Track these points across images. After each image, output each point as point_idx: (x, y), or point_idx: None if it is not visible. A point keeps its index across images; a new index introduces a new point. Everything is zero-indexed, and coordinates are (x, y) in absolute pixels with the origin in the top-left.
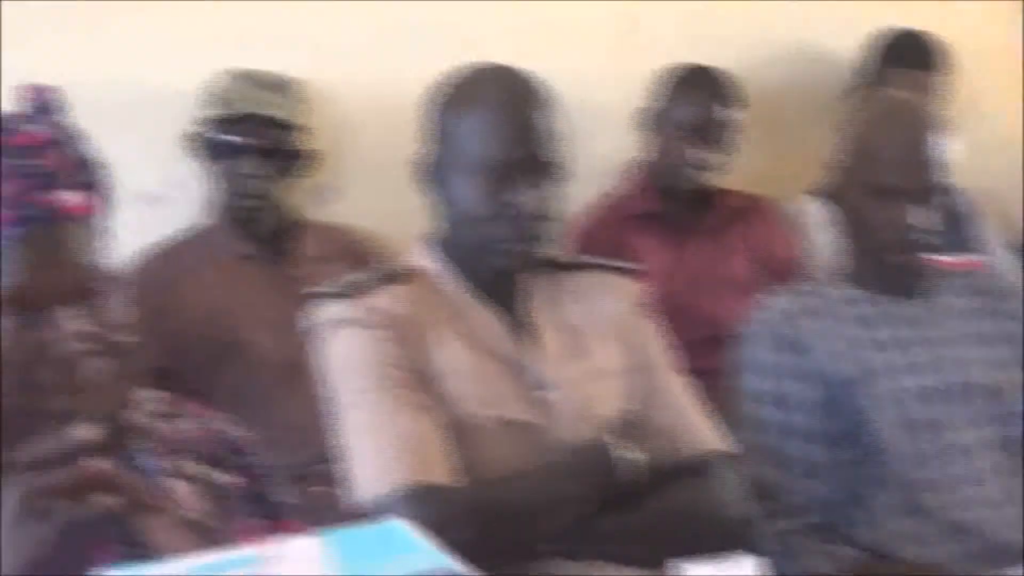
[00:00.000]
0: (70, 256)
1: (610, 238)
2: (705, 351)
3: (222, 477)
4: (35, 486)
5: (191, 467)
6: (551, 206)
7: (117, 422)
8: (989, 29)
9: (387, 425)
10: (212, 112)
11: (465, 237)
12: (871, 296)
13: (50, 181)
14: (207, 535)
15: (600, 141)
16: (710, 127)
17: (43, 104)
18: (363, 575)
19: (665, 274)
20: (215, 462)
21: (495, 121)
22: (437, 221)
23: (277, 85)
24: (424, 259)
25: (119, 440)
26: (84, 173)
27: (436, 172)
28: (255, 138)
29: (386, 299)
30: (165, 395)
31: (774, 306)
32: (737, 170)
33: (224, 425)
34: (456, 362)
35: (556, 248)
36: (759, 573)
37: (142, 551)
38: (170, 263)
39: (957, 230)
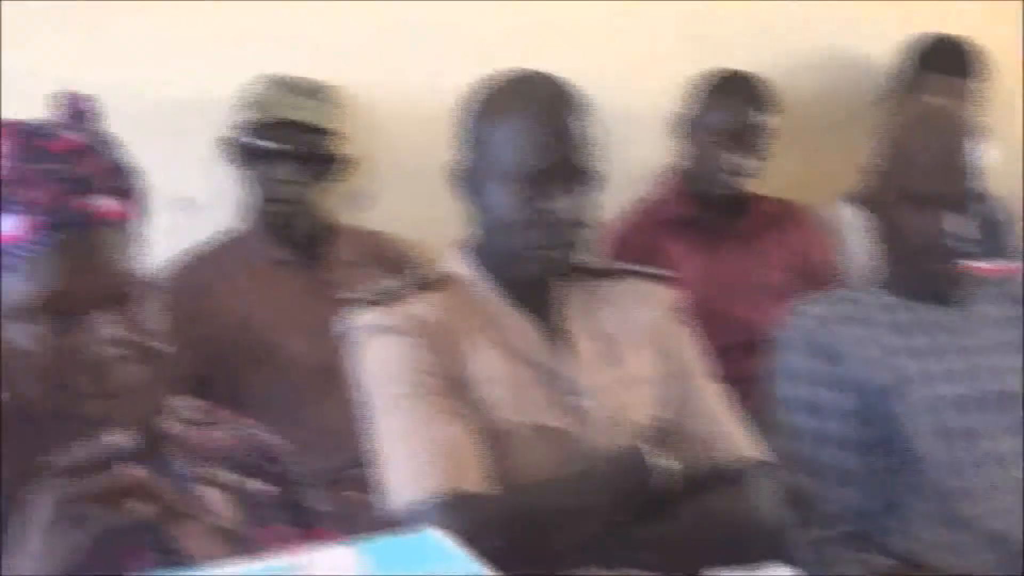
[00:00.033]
0: (105, 262)
1: (645, 243)
2: (739, 357)
3: (255, 485)
4: (69, 492)
5: (223, 475)
6: (586, 213)
7: (151, 429)
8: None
9: (421, 431)
10: (247, 117)
11: (500, 244)
12: (906, 303)
13: (85, 187)
14: (240, 543)
15: (635, 147)
16: (745, 132)
17: (78, 111)
18: None
19: (699, 280)
20: (248, 470)
21: (530, 128)
22: (472, 227)
23: (312, 90)
24: (459, 266)
25: (153, 447)
26: (119, 179)
27: (471, 178)
28: (290, 143)
29: (421, 306)
30: (199, 402)
31: (809, 313)
32: (771, 176)
33: (257, 432)
34: (490, 369)
35: (591, 255)
36: None
37: (175, 559)
38: (204, 268)
39: (993, 237)
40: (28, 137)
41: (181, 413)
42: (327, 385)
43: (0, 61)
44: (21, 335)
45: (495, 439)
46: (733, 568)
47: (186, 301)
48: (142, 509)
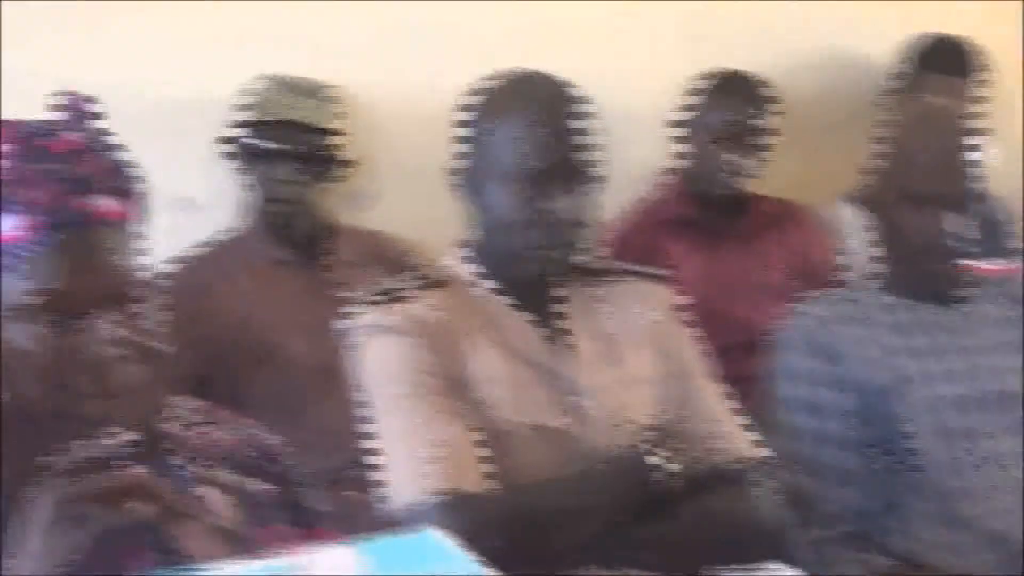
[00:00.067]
0: (104, 262)
1: (645, 243)
2: (739, 357)
3: (255, 485)
4: (70, 492)
5: (223, 475)
6: (586, 213)
7: (151, 429)
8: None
9: (421, 431)
10: (247, 117)
11: (500, 244)
12: (906, 303)
13: (85, 187)
14: (239, 543)
15: (635, 147)
16: (745, 132)
17: (78, 111)
18: None
19: (699, 279)
20: (248, 470)
21: (530, 128)
22: (472, 227)
23: (312, 90)
24: (459, 265)
25: (153, 447)
26: (119, 179)
27: (471, 179)
28: (290, 143)
29: (421, 306)
30: (199, 402)
31: (809, 313)
32: (771, 176)
33: (257, 432)
34: (490, 369)
35: (591, 255)
36: None
37: (175, 559)
38: (204, 268)
39: (993, 237)
40: (28, 137)
41: (181, 413)
42: (327, 385)
43: (0, 61)
44: (21, 335)
45: (495, 439)
46: (733, 568)
47: (186, 301)
48: (142, 509)
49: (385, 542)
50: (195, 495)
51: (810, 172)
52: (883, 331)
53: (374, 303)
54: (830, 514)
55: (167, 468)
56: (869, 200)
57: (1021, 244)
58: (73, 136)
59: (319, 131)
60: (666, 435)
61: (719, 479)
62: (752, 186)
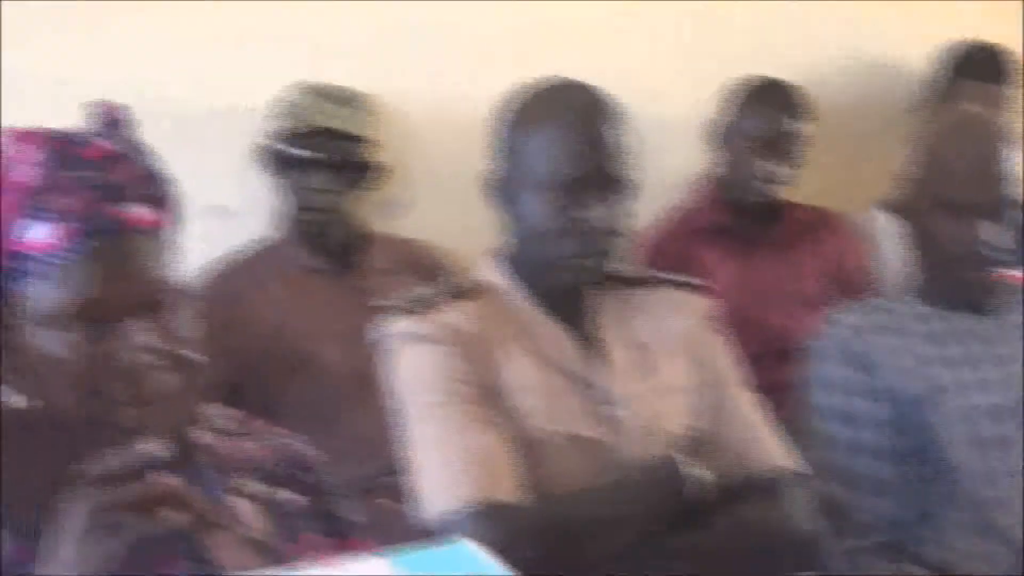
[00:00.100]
0: (138, 269)
1: (679, 251)
2: (773, 365)
3: (285, 496)
4: (104, 501)
5: (253, 486)
6: (620, 221)
7: (183, 438)
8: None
9: (455, 440)
10: (282, 125)
11: (533, 253)
12: (941, 312)
13: (118, 194)
14: (270, 555)
15: (669, 154)
16: (780, 140)
17: (112, 120)
18: None
19: (733, 287)
20: (278, 481)
21: (564, 136)
22: (505, 236)
23: (347, 98)
24: (492, 274)
25: (185, 456)
26: (152, 187)
27: (505, 188)
28: (325, 152)
29: (455, 315)
30: (233, 411)
31: (843, 322)
32: (805, 183)
33: (290, 442)
34: (524, 378)
35: (624, 263)
36: None
37: (208, 568)
38: (238, 276)
39: None
40: (62, 144)
41: (214, 422)
42: (361, 393)
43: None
44: (54, 343)
45: (528, 448)
46: None
47: (220, 309)
48: (176, 518)
49: (418, 553)
50: (226, 505)
51: (844, 179)
52: (917, 340)
53: (408, 311)
54: (864, 524)
55: (199, 478)
56: (903, 208)
57: None
58: (106, 144)
59: (353, 139)
60: (700, 445)
61: (753, 489)
62: (786, 194)
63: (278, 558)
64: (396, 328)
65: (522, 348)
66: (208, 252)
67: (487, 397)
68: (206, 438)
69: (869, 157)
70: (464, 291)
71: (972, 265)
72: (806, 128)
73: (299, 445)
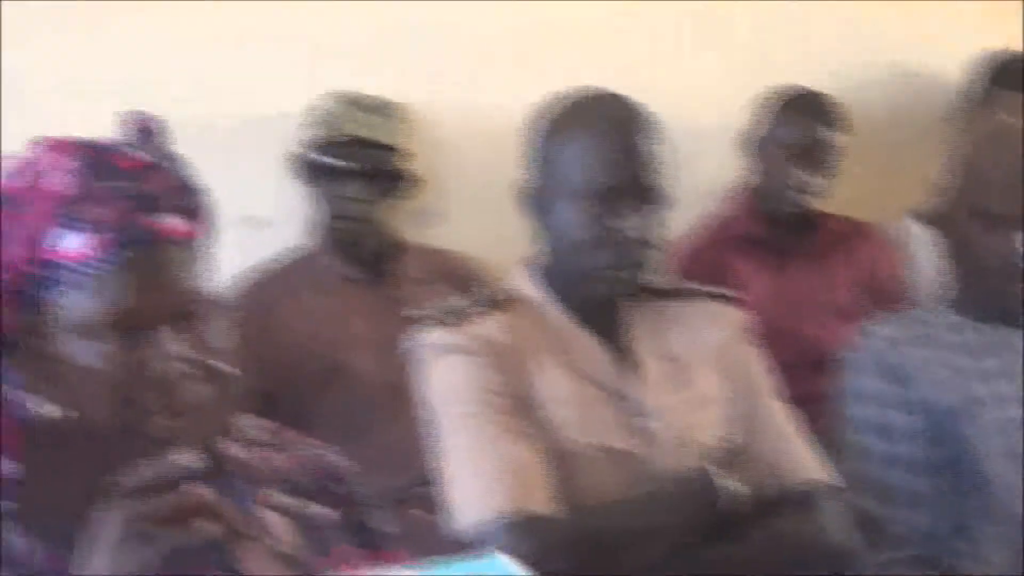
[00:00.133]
0: (171, 280)
1: (713, 260)
2: (807, 376)
3: (316, 510)
4: (138, 511)
5: (283, 499)
6: (654, 232)
7: (215, 449)
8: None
9: (488, 451)
10: (315, 134)
11: (567, 263)
12: (975, 324)
13: (152, 205)
14: (300, 568)
15: (703, 164)
16: (814, 150)
17: (146, 130)
18: None
19: (767, 298)
20: (309, 494)
21: (599, 147)
22: (539, 246)
23: (380, 108)
24: (526, 285)
25: (218, 468)
26: (186, 198)
27: (539, 197)
28: (358, 161)
29: (488, 326)
30: (266, 422)
31: (878, 334)
32: (840, 193)
33: (323, 453)
34: (557, 389)
35: (659, 275)
36: None
37: None
38: (271, 286)
39: None
40: (96, 154)
41: (247, 433)
42: (394, 403)
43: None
44: (87, 353)
45: (562, 460)
46: None
47: (253, 319)
48: (209, 529)
49: (451, 564)
50: (257, 517)
51: (878, 189)
52: (952, 352)
53: (441, 322)
54: (898, 537)
55: (230, 489)
56: (938, 218)
57: None
58: (140, 154)
59: (387, 148)
60: (733, 457)
61: (787, 501)
62: (821, 204)
63: (309, 571)
64: (429, 339)
65: (555, 359)
66: (241, 262)
67: (520, 408)
68: (237, 450)
69: (903, 167)
70: (497, 302)
71: (1008, 276)
72: (840, 138)
73: (331, 456)
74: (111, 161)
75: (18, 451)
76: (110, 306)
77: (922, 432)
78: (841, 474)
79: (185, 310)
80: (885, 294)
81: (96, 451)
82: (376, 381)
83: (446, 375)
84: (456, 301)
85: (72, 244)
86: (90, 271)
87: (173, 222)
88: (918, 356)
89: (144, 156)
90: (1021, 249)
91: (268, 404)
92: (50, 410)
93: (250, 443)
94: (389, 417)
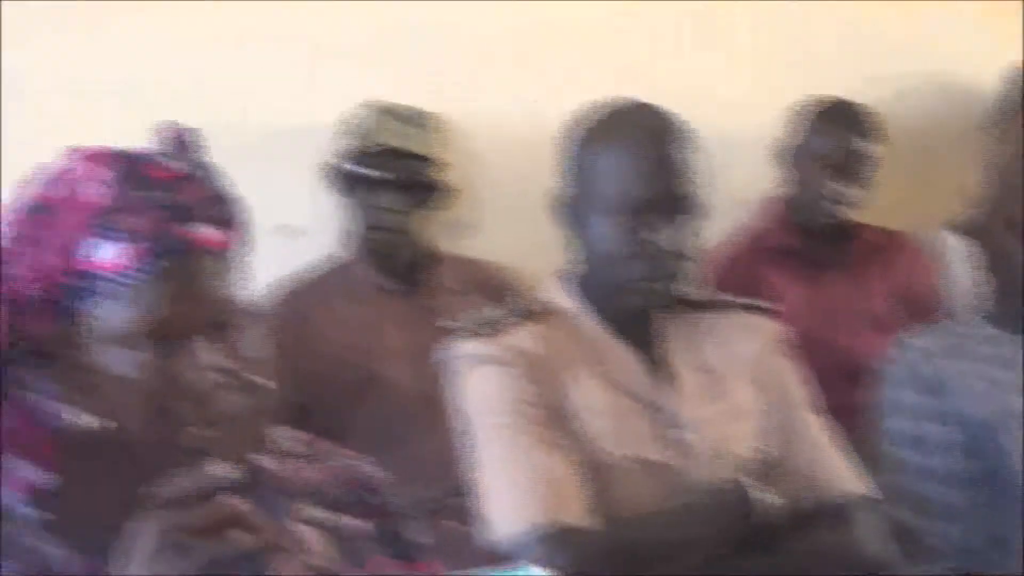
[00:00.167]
0: (206, 290)
1: (747, 271)
2: (843, 387)
3: (349, 522)
4: (175, 522)
5: (317, 512)
6: (689, 243)
7: (250, 460)
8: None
9: (522, 462)
10: (350, 145)
11: (602, 275)
12: (1011, 336)
13: (187, 215)
14: None
15: (738, 174)
16: (849, 160)
17: (180, 141)
18: None
19: (802, 308)
20: (343, 505)
21: (633, 158)
22: (573, 257)
23: (415, 118)
24: (560, 296)
25: (252, 479)
26: (220, 208)
27: (573, 209)
28: (393, 171)
29: (522, 337)
30: (300, 434)
31: (913, 346)
32: (874, 204)
33: (358, 464)
34: (592, 400)
35: (693, 286)
36: None
37: None
38: (306, 296)
39: None
40: (131, 164)
41: (281, 444)
42: (428, 414)
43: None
44: (122, 362)
45: (596, 471)
46: None
47: (288, 328)
48: (246, 540)
49: None
50: (290, 529)
51: (913, 200)
52: (988, 365)
53: (475, 333)
54: (934, 549)
55: (265, 501)
56: (973, 229)
57: None
58: (175, 165)
59: (421, 159)
60: (769, 468)
61: (822, 513)
62: (855, 215)
63: None
64: (464, 349)
65: (590, 370)
66: (276, 272)
67: (555, 419)
68: (271, 462)
69: (938, 177)
70: (532, 312)
71: None
72: (876, 149)
73: (365, 467)
74: (146, 171)
75: (51, 461)
76: (145, 316)
77: (958, 444)
78: (877, 486)
79: (220, 320)
80: (921, 306)
81: (131, 461)
82: (410, 392)
83: (480, 386)
84: (490, 312)
85: (107, 254)
86: (125, 281)
87: (207, 232)
88: (954, 368)
89: (178, 166)
90: None
91: (302, 415)
92: (88, 421)
93: (284, 455)
94: (423, 428)
